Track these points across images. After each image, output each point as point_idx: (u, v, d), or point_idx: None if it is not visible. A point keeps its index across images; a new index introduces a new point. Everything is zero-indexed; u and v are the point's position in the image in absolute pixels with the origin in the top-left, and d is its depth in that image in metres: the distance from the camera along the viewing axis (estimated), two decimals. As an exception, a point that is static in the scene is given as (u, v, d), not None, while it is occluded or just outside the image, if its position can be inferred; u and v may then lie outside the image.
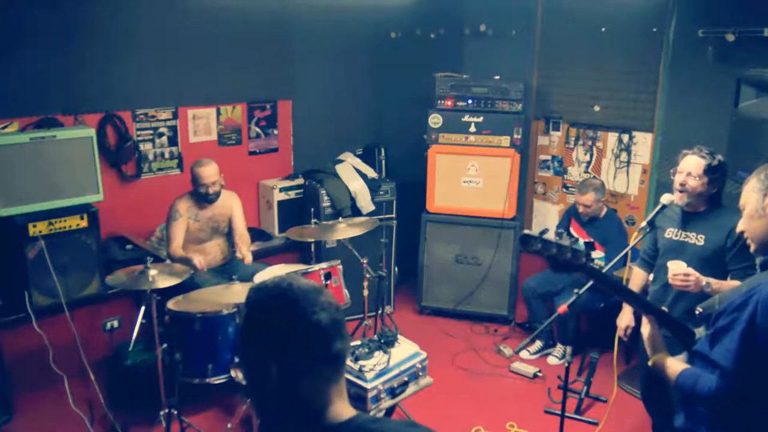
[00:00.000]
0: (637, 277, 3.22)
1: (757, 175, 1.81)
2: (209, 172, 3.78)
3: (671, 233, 2.94)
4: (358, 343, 3.00)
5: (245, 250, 3.94)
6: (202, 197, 3.82)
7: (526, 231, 1.73)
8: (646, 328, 1.99)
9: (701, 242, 2.83)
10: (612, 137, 4.72)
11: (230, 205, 4.03)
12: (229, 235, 4.11)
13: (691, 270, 2.59)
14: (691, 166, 2.79)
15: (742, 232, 1.88)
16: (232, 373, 3.28)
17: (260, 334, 1.15)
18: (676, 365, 1.90)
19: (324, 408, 1.14)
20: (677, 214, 2.94)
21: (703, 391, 1.75)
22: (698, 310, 1.98)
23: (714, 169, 2.78)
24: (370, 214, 4.66)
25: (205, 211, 3.89)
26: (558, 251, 1.69)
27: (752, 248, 1.85)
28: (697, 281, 2.56)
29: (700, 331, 1.96)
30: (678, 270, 2.61)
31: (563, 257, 1.70)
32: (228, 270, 3.98)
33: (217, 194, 3.86)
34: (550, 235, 1.71)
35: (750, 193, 1.82)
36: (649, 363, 1.97)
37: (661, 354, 1.96)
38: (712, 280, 2.59)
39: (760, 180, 1.79)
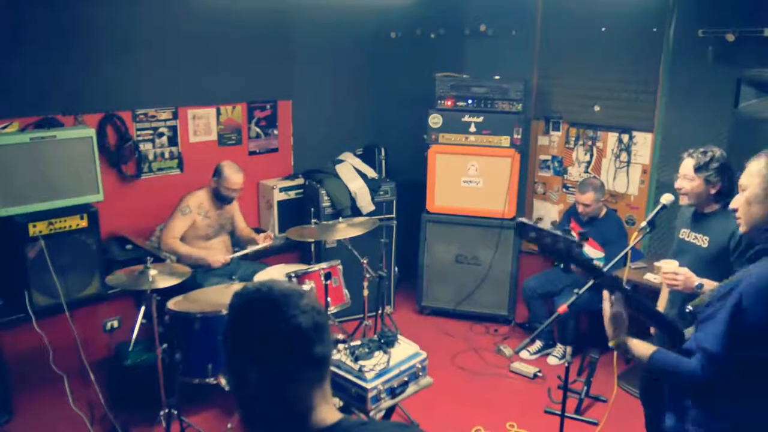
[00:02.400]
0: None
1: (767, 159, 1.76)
2: (241, 180, 3.93)
3: (684, 234, 2.93)
4: (358, 343, 3.00)
5: (259, 236, 4.13)
6: (221, 198, 3.94)
7: (521, 219, 1.81)
8: (608, 306, 1.89)
9: (705, 244, 2.82)
10: (612, 137, 4.72)
11: (234, 204, 4.13)
12: (231, 233, 4.17)
13: (682, 269, 2.57)
14: (684, 169, 2.79)
15: (735, 210, 1.87)
16: (219, 380, 3.28)
17: (241, 337, 1.15)
18: (645, 345, 1.85)
19: (308, 412, 1.13)
20: (691, 214, 2.92)
21: (688, 372, 1.72)
22: (688, 308, 1.96)
23: (704, 167, 2.72)
24: (370, 214, 4.66)
25: (216, 209, 3.98)
26: (552, 240, 1.76)
27: (742, 229, 1.84)
28: (686, 281, 2.53)
29: (689, 331, 1.95)
30: (668, 268, 2.60)
31: (556, 246, 1.77)
32: (228, 270, 3.98)
33: (233, 199, 4.01)
34: (545, 225, 1.75)
35: (753, 177, 1.79)
36: (610, 344, 1.91)
37: (624, 335, 1.88)
38: (705, 281, 2.56)
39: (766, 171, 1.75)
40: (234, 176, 3.89)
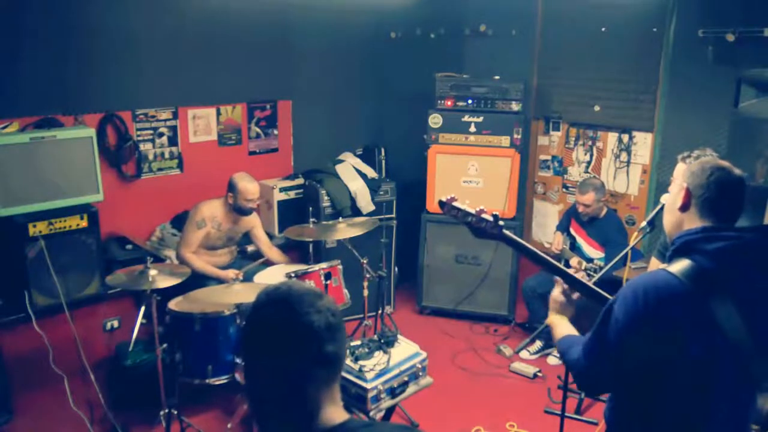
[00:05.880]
0: (653, 267, 3.25)
1: (689, 169, 1.68)
2: (257, 189, 3.84)
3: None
4: (358, 343, 3.00)
5: (281, 257, 4.16)
6: (241, 211, 3.84)
7: (441, 198, 2.00)
8: (554, 289, 2.00)
9: None
10: (612, 137, 4.73)
11: (251, 221, 4.04)
12: (239, 243, 4.14)
13: None
14: (676, 173, 2.82)
15: None
16: (237, 376, 3.28)
17: (256, 332, 1.19)
18: (562, 329, 1.88)
19: (316, 411, 1.15)
20: None
21: (570, 358, 1.73)
22: None
23: None
24: (370, 214, 4.66)
25: (229, 221, 3.90)
26: (472, 219, 1.93)
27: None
28: None
29: None
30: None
31: (478, 225, 1.93)
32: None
33: (252, 210, 3.90)
34: (461, 204, 1.98)
35: (673, 185, 1.76)
36: (546, 321, 1.98)
37: (557, 316, 1.95)
38: None
39: (684, 175, 1.68)
40: (250, 186, 3.79)
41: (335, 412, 1.17)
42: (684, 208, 1.64)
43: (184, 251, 3.78)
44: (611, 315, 1.59)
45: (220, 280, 3.72)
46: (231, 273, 3.72)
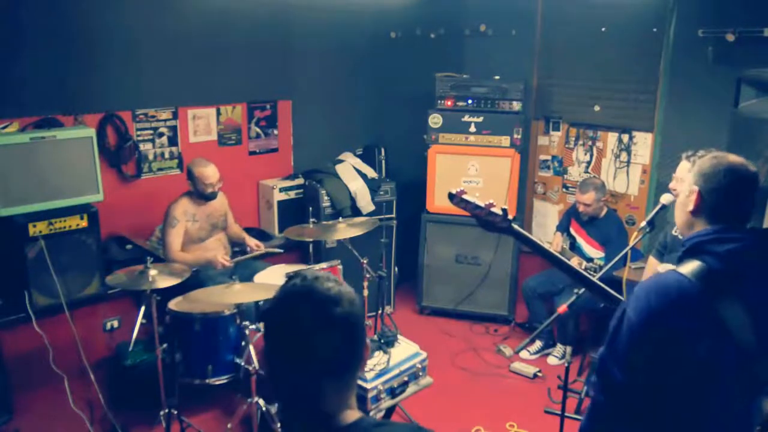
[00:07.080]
0: (651, 266, 3.26)
1: (701, 169, 1.65)
2: (213, 171, 3.84)
3: (677, 231, 2.95)
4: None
5: (250, 238, 4.17)
6: (203, 196, 3.86)
7: (452, 190, 2.06)
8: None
9: None
10: (612, 137, 4.72)
11: (223, 201, 4.07)
12: (225, 230, 4.15)
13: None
14: (679, 171, 2.82)
15: None
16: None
17: (272, 333, 1.19)
18: None
19: (332, 412, 1.17)
20: None
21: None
22: None
23: None
24: (370, 214, 4.66)
25: (202, 209, 3.91)
26: (482, 212, 2.01)
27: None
28: None
29: None
30: (662, 269, 2.63)
31: (488, 219, 2.00)
32: (228, 269, 3.98)
33: (216, 193, 3.90)
34: (471, 197, 2.05)
35: (682, 182, 1.75)
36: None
37: None
38: None
39: (693, 172, 1.66)
40: (205, 170, 3.81)
41: (349, 411, 1.20)
42: (695, 211, 1.63)
43: (169, 254, 3.80)
44: (625, 317, 1.58)
45: (219, 280, 3.72)
46: (219, 257, 3.79)
